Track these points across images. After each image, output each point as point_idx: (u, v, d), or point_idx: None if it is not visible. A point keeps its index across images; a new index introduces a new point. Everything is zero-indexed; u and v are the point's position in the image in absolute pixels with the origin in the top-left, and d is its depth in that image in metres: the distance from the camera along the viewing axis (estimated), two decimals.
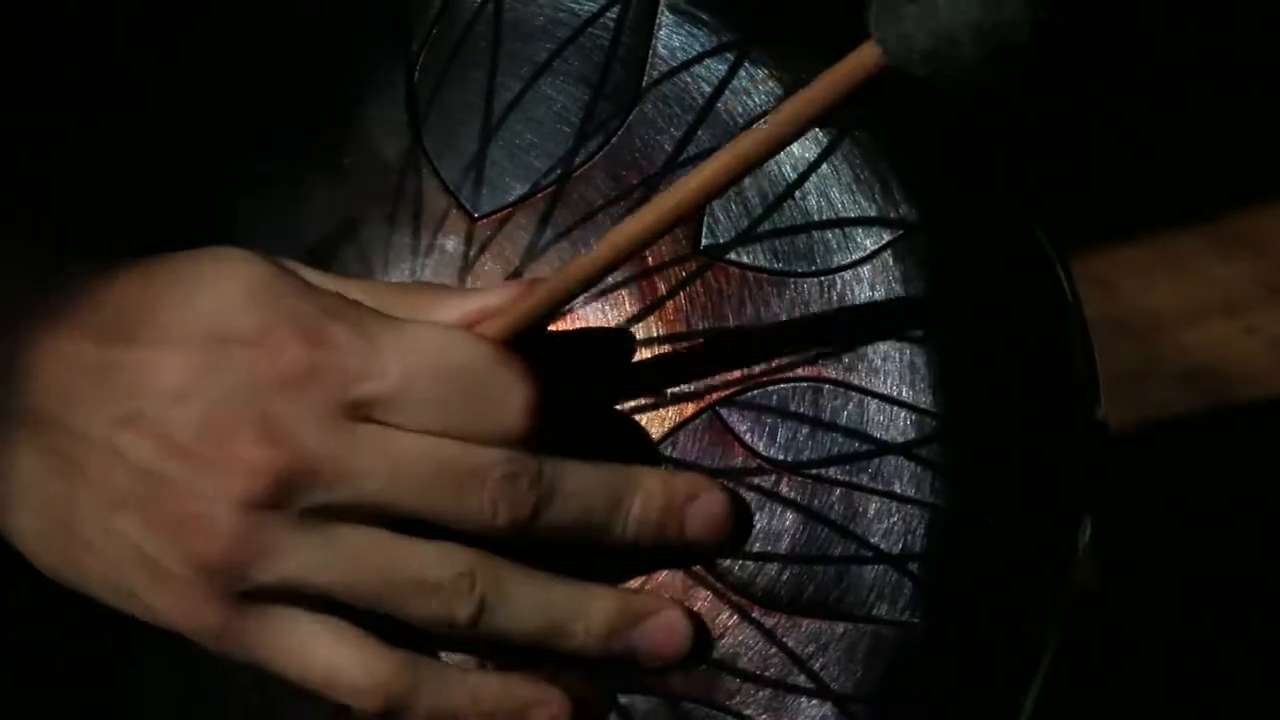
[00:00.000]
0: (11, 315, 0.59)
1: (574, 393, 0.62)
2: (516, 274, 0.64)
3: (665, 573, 0.62)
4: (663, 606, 0.60)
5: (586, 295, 0.63)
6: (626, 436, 0.62)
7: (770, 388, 0.63)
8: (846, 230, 0.63)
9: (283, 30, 0.67)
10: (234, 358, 0.57)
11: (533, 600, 0.58)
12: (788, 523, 0.62)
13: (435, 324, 0.58)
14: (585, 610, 0.59)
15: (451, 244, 0.65)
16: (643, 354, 0.64)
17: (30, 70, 0.66)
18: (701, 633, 0.61)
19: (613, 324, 0.64)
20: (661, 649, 0.60)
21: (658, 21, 0.65)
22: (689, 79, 0.64)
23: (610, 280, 0.63)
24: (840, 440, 0.62)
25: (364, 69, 0.66)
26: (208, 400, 0.57)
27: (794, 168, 0.64)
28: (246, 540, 0.57)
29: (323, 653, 0.58)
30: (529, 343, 0.59)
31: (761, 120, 0.58)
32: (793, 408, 0.63)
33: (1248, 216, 1.63)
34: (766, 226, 0.63)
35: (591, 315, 0.64)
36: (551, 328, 0.62)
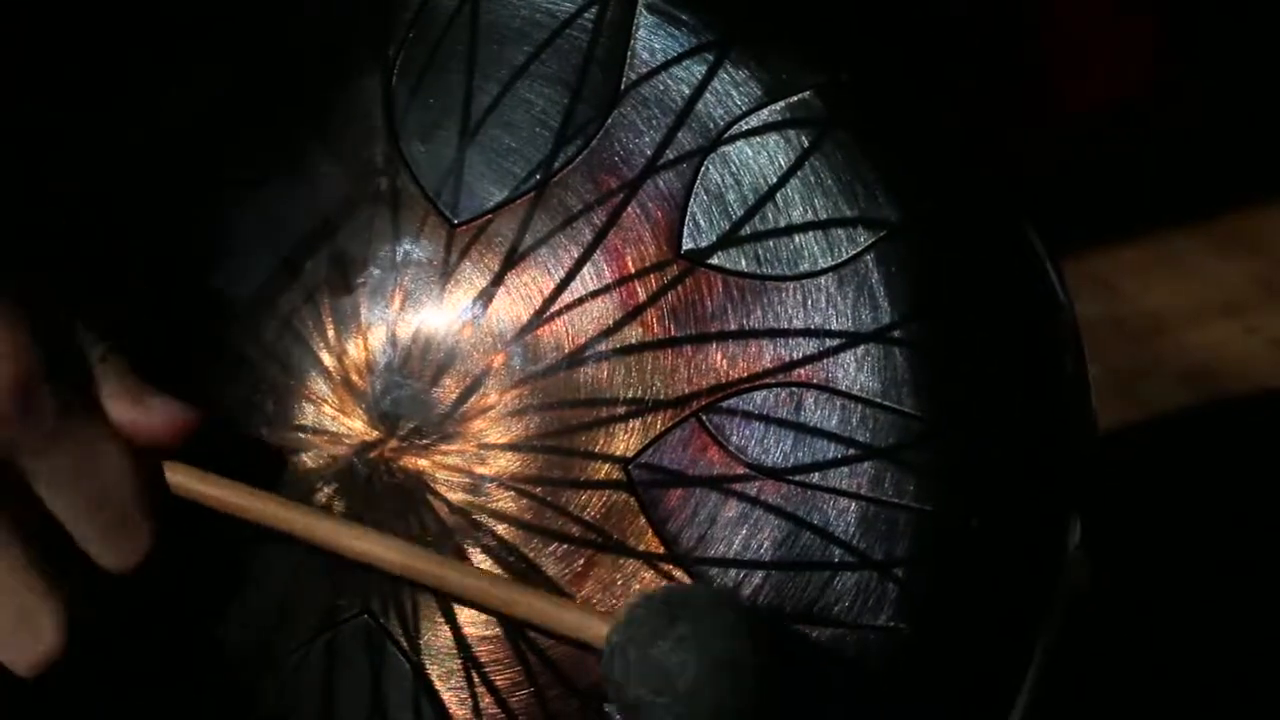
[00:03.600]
0: None
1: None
2: (497, 280, 0.64)
3: (649, 576, 0.62)
4: None
5: (566, 305, 0.63)
6: None
7: (753, 394, 0.62)
8: (829, 233, 0.63)
9: (262, 38, 0.67)
10: None
11: None
12: (771, 530, 0.61)
13: (112, 446, 0.61)
14: None
15: (431, 251, 0.64)
16: (624, 362, 0.63)
17: (27, 70, 0.66)
18: None
19: (592, 331, 0.63)
20: None
21: (636, 22, 0.64)
22: (668, 80, 0.64)
23: (590, 286, 0.63)
24: (824, 445, 0.62)
25: (341, 74, 0.65)
26: None
27: (775, 170, 0.63)
28: None
29: None
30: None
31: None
32: (776, 413, 0.62)
33: (1248, 216, 1.62)
34: (747, 230, 0.63)
35: (574, 321, 0.63)
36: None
